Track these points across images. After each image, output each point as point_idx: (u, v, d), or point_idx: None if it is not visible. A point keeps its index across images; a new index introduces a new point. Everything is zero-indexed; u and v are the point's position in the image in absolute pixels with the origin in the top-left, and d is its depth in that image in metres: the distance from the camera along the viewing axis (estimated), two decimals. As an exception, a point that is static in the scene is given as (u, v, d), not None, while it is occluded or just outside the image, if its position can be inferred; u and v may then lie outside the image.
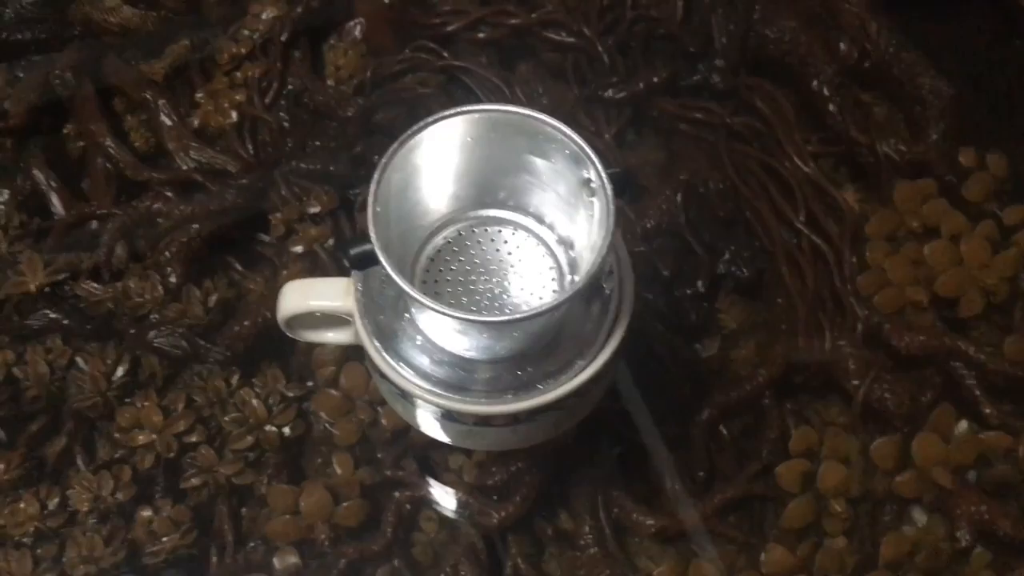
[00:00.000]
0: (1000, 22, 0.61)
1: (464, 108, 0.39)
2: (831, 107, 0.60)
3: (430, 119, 0.38)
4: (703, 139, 0.61)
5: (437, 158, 0.40)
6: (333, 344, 0.49)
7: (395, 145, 0.38)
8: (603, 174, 0.37)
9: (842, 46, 0.61)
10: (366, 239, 0.37)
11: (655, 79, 0.61)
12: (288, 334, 0.47)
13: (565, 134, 0.38)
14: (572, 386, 0.40)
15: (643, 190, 0.58)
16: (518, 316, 0.36)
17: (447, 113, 0.39)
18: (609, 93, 0.61)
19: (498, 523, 0.51)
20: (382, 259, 0.36)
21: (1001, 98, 0.59)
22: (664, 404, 0.53)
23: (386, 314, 0.42)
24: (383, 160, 0.38)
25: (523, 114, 0.39)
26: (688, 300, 0.56)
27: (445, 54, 0.62)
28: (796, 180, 0.58)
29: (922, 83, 0.59)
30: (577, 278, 0.38)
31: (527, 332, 0.40)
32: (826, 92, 0.60)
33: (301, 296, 0.44)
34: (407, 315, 0.42)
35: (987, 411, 0.52)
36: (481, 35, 0.63)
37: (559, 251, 0.43)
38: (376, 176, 0.38)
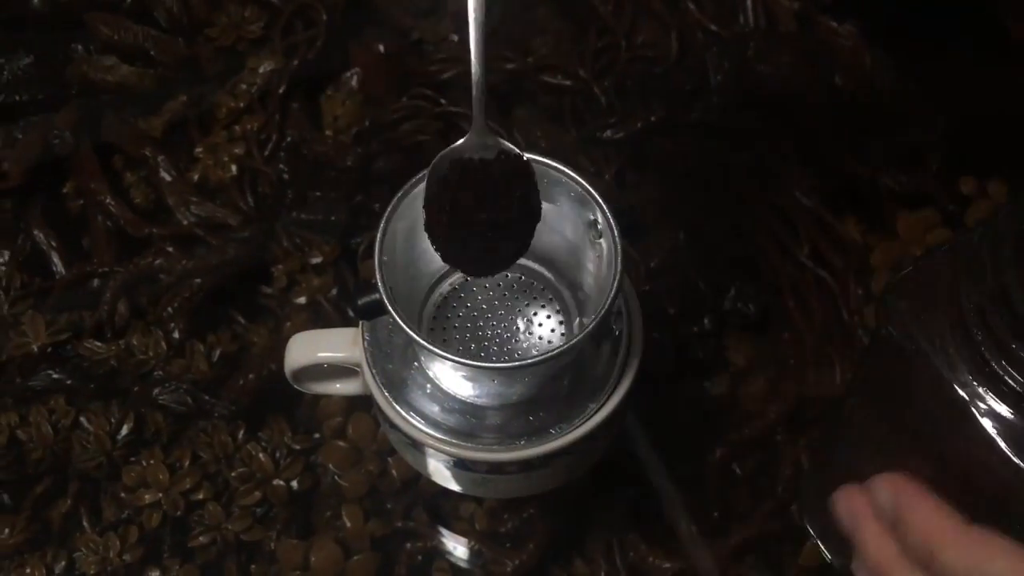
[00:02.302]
0: (994, 52, 0.61)
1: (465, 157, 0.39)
2: (829, 140, 0.60)
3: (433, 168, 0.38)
4: (703, 177, 0.61)
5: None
6: (341, 395, 0.48)
7: (399, 194, 0.38)
8: (609, 215, 0.37)
9: (838, 80, 0.61)
10: (372, 289, 0.37)
11: (652, 118, 0.61)
12: (296, 387, 0.47)
13: (569, 176, 0.38)
14: (585, 430, 0.40)
15: (645, 230, 0.58)
16: (529, 361, 0.35)
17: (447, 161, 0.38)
18: (607, 134, 0.61)
19: (512, 571, 0.50)
20: (390, 308, 0.36)
21: (998, 126, 0.59)
22: (675, 444, 0.53)
23: (395, 363, 0.42)
24: (388, 209, 0.38)
25: (528, 158, 0.39)
26: (695, 338, 0.56)
27: (442, 101, 0.63)
28: (798, 214, 0.58)
29: (919, 114, 0.59)
30: (585, 320, 0.38)
31: (538, 377, 0.39)
32: (823, 126, 0.60)
33: (309, 348, 0.44)
34: (416, 363, 0.42)
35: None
36: (477, 81, 0.63)
37: (566, 294, 0.43)
38: (381, 226, 0.37)
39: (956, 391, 0.31)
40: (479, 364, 0.36)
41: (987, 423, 0.30)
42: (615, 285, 0.36)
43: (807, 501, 0.48)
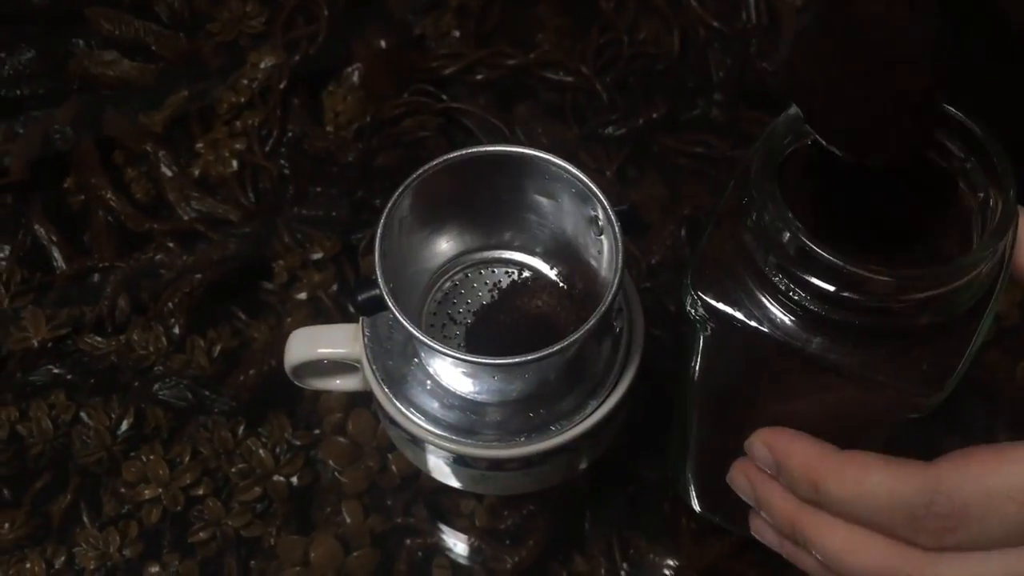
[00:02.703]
0: (999, 47, 0.61)
1: (467, 150, 0.39)
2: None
3: (433, 162, 0.38)
4: (704, 173, 0.61)
5: (441, 201, 0.40)
6: (341, 391, 0.48)
7: (400, 190, 0.38)
8: (610, 211, 0.37)
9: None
10: (372, 285, 0.36)
11: (654, 115, 0.61)
12: (295, 382, 0.47)
13: (570, 172, 0.38)
14: (586, 427, 0.40)
15: (646, 226, 0.58)
16: (530, 357, 0.35)
17: (450, 156, 0.38)
18: (609, 130, 0.61)
19: (512, 568, 0.50)
20: (390, 304, 0.36)
21: (1003, 126, 0.59)
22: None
23: (395, 359, 0.42)
24: (388, 205, 0.38)
25: (526, 154, 0.39)
26: (696, 335, 0.55)
27: (444, 97, 0.62)
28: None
29: (922, 111, 0.59)
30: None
31: (538, 373, 0.39)
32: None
33: (309, 343, 0.44)
34: (416, 360, 0.42)
35: (1002, 438, 0.52)
36: (479, 77, 0.63)
37: (567, 290, 0.43)
38: (382, 221, 0.37)
39: (785, 343, 0.31)
40: (480, 360, 0.36)
41: (815, 355, 0.31)
42: (616, 281, 0.36)
43: (703, 498, 0.48)
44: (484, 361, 0.36)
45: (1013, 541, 0.27)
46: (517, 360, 0.35)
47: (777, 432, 0.31)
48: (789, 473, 0.30)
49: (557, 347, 0.35)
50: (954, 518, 0.27)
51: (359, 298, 0.37)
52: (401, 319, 0.35)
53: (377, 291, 0.36)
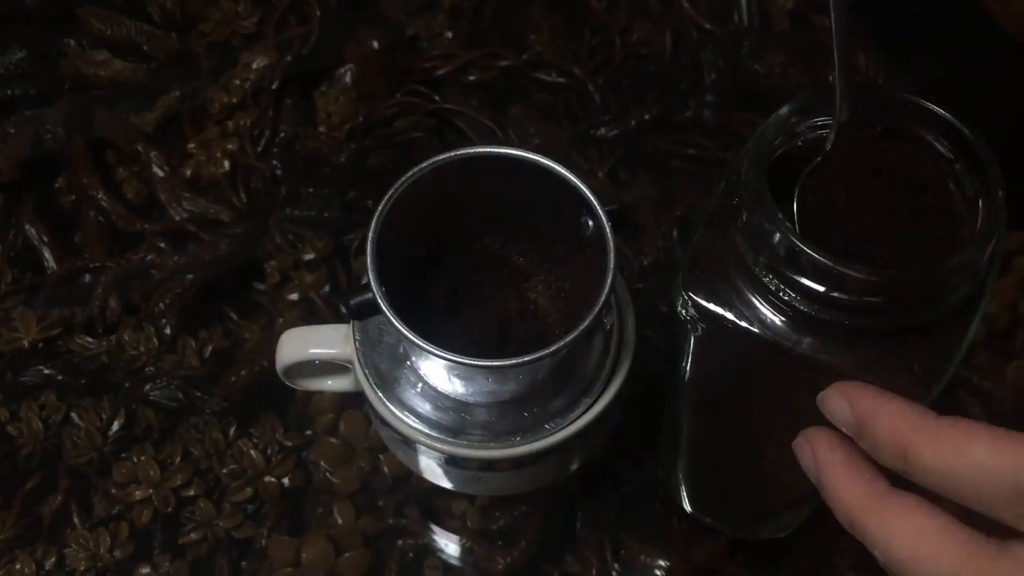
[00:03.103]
0: (993, 53, 0.61)
1: (458, 152, 0.39)
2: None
3: (424, 164, 0.38)
4: (696, 174, 0.61)
5: (433, 203, 0.40)
6: (332, 392, 0.48)
7: (391, 192, 0.38)
8: (600, 212, 0.37)
9: (832, 78, 0.61)
10: (365, 289, 0.36)
11: (646, 116, 0.61)
12: (287, 383, 0.47)
13: (560, 174, 0.38)
14: (578, 426, 0.40)
15: (638, 227, 0.58)
16: (525, 359, 0.35)
17: (441, 158, 0.38)
18: (601, 131, 0.61)
19: (503, 569, 0.50)
20: (384, 308, 0.36)
21: (995, 125, 0.59)
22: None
23: (386, 360, 0.42)
24: (379, 208, 0.38)
25: (516, 155, 0.39)
26: (688, 336, 0.55)
27: (436, 98, 0.62)
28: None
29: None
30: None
31: (531, 374, 0.39)
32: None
33: (300, 344, 0.44)
34: (408, 361, 0.42)
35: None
36: (471, 78, 0.63)
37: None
38: (373, 224, 0.37)
39: (775, 343, 0.31)
40: (474, 363, 0.36)
41: (805, 355, 0.30)
42: (608, 280, 0.36)
43: (695, 499, 0.48)
44: (479, 363, 0.36)
45: None
46: (512, 362, 0.35)
47: (860, 386, 0.27)
48: (873, 435, 0.26)
49: (552, 348, 0.35)
50: None
51: (352, 302, 0.37)
52: (396, 323, 0.35)
53: (370, 295, 0.36)
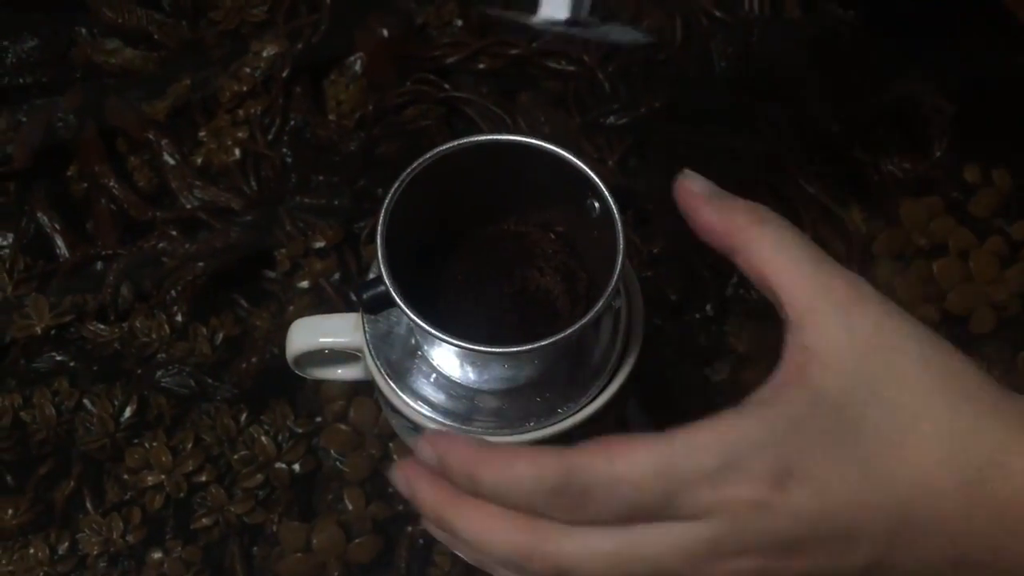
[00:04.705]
0: (1001, 38, 0.61)
1: (465, 140, 0.38)
2: (833, 127, 0.60)
3: (432, 153, 0.38)
4: (707, 163, 0.60)
5: (442, 191, 0.40)
6: (343, 380, 0.48)
7: (397, 183, 0.38)
8: (608, 197, 0.37)
9: (842, 67, 0.61)
10: (377, 282, 0.36)
11: (656, 104, 0.61)
12: (297, 372, 0.47)
13: (567, 160, 0.38)
14: (592, 410, 0.40)
15: (648, 216, 0.58)
16: (542, 343, 0.35)
17: (448, 146, 0.38)
18: (611, 120, 0.61)
19: (513, 555, 0.50)
20: (398, 300, 0.35)
21: (1004, 114, 0.59)
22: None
23: (397, 348, 0.42)
24: (386, 199, 0.38)
25: (523, 142, 0.38)
26: (697, 324, 0.56)
27: (446, 86, 0.62)
28: (801, 201, 0.58)
29: (924, 100, 0.59)
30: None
31: (546, 359, 0.39)
32: (827, 112, 0.60)
33: (310, 333, 0.44)
34: (419, 351, 0.42)
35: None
36: (481, 66, 0.63)
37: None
38: (381, 216, 0.37)
39: None
40: (489, 349, 0.36)
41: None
42: (619, 262, 0.36)
43: None
44: (494, 350, 0.36)
45: (625, 519, 0.30)
46: (528, 347, 0.35)
47: (440, 434, 0.34)
48: (449, 467, 0.33)
49: (568, 331, 0.35)
50: (584, 496, 0.30)
51: (364, 296, 0.37)
52: (410, 314, 0.35)
53: (383, 288, 0.36)
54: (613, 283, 0.35)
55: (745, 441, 0.30)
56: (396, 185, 0.37)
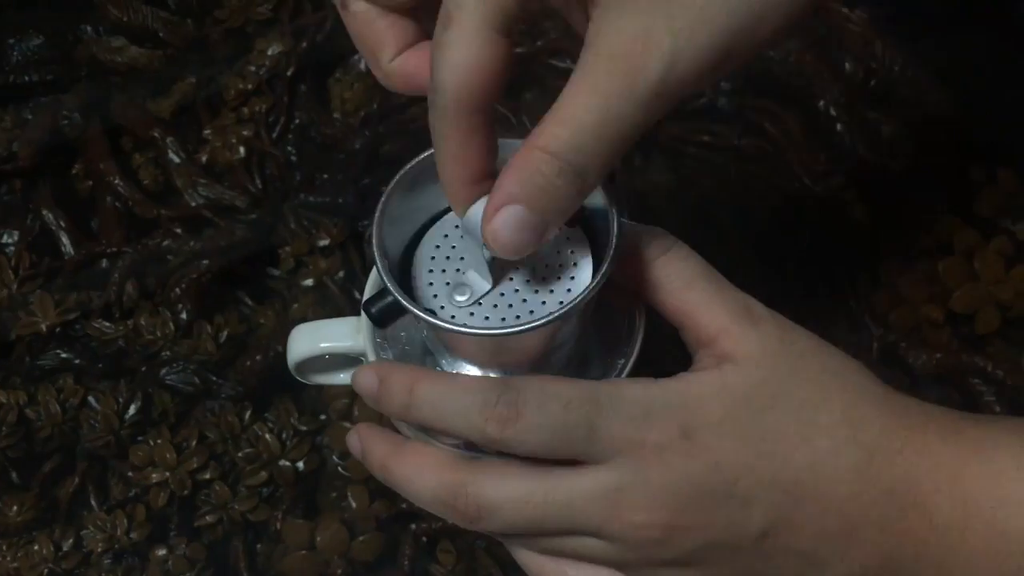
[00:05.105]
0: (1006, 37, 0.61)
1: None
2: (838, 126, 0.60)
3: (420, 157, 0.38)
4: (711, 162, 0.61)
5: (431, 193, 0.39)
6: (347, 384, 0.48)
7: (389, 187, 0.38)
8: (601, 187, 0.37)
9: (847, 65, 0.61)
10: (385, 293, 0.36)
11: (661, 103, 0.61)
12: (299, 379, 0.46)
13: None
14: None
15: (652, 214, 0.58)
16: (543, 320, 0.35)
17: (428, 153, 0.38)
18: (615, 118, 0.61)
19: (516, 554, 0.50)
20: (411, 307, 0.35)
21: (1009, 113, 0.59)
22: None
23: (401, 350, 0.42)
24: (380, 203, 0.37)
25: (506, 141, 0.38)
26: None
27: (451, 84, 0.62)
28: (806, 199, 0.58)
29: (929, 100, 0.59)
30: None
31: (560, 343, 0.39)
32: (833, 112, 0.60)
33: (311, 338, 0.43)
34: (427, 352, 0.41)
35: (1008, 428, 0.52)
36: (486, 64, 0.63)
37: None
38: (375, 229, 0.37)
39: None
40: (510, 330, 0.35)
41: None
42: (615, 233, 0.36)
43: None
44: (503, 331, 0.35)
45: (549, 444, 0.33)
46: (528, 326, 0.35)
47: (377, 363, 0.38)
48: (388, 388, 0.35)
49: (577, 299, 0.34)
50: (515, 407, 0.33)
51: (372, 310, 0.37)
52: (424, 317, 0.35)
53: (391, 298, 0.36)
54: (611, 253, 0.35)
55: (659, 400, 0.34)
56: (387, 190, 0.37)
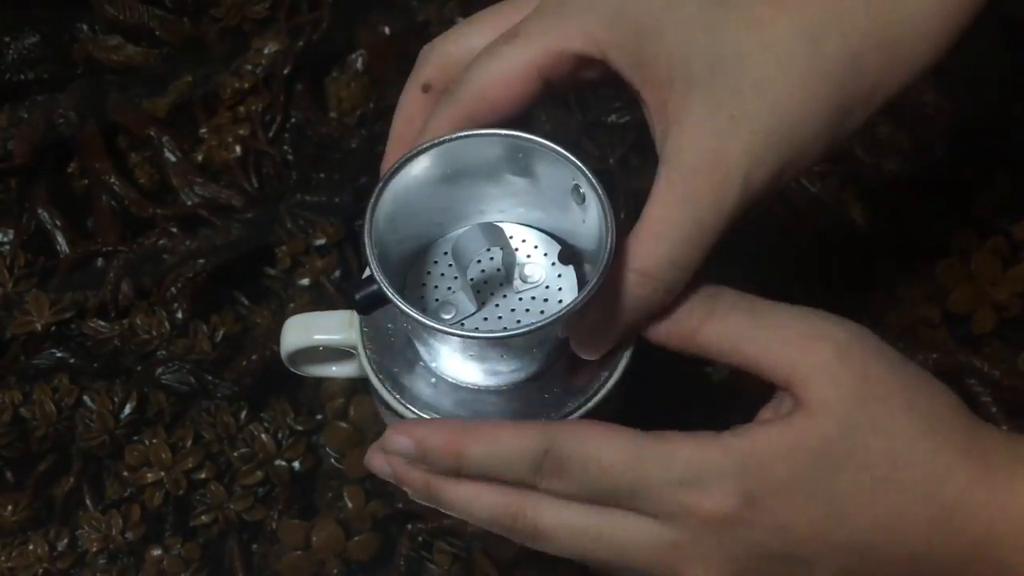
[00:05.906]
0: (1004, 38, 0.61)
1: (438, 139, 0.38)
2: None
3: (410, 152, 0.38)
4: (708, 162, 0.61)
5: (424, 188, 0.39)
6: (339, 377, 0.48)
7: (380, 184, 0.38)
8: (590, 175, 0.37)
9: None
10: (370, 281, 0.36)
11: (658, 103, 0.61)
12: (292, 370, 0.47)
13: (546, 146, 0.38)
14: (601, 396, 0.39)
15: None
16: (536, 324, 0.35)
17: (421, 145, 0.38)
18: (612, 118, 0.61)
19: (514, 555, 0.50)
20: (391, 295, 0.35)
21: (1007, 114, 0.59)
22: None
23: (391, 345, 0.42)
24: (371, 200, 0.37)
25: (499, 134, 0.38)
26: (698, 323, 0.55)
27: (447, 83, 0.62)
28: (802, 200, 0.58)
29: (926, 100, 0.59)
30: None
31: (544, 348, 0.39)
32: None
33: (304, 330, 0.43)
34: (417, 350, 0.41)
35: (1004, 428, 0.52)
36: (483, 64, 0.63)
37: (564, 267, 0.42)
38: (368, 215, 0.37)
39: None
40: (485, 335, 0.36)
41: None
42: (611, 240, 0.35)
43: None
44: (489, 336, 0.36)
45: (595, 498, 0.33)
46: (530, 327, 0.35)
47: (409, 424, 0.36)
48: (431, 453, 0.34)
49: (565, 309, 0.35)
50: (560, 467, 0.33)
51: (357, 296, 0.37)
52: (403, 306, 0.35)
53: (375, 287, 0.36)
54: (605, 259, 0.35)
55: (715, 464, 0.33)
56: (378, 187, 0.37)
